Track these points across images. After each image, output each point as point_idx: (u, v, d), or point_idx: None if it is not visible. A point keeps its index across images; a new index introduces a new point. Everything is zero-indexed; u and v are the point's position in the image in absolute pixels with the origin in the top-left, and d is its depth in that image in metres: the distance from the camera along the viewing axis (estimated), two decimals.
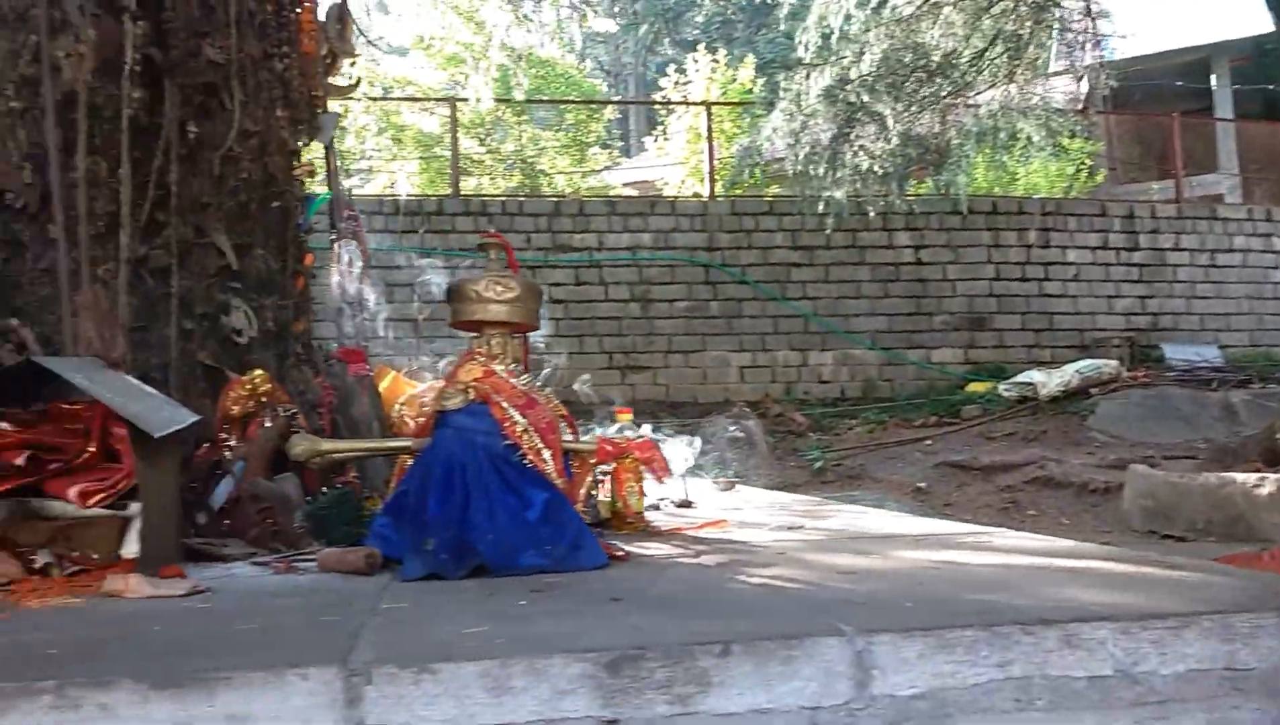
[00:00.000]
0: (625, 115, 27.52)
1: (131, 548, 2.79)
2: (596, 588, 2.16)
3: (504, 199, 15.28)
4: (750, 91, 18.97)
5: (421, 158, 18.57)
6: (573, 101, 21.37)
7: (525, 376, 2.90)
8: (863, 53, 10.23)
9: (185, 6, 3.74)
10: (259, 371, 3.72)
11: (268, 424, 3.71)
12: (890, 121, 10.42)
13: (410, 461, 3.57)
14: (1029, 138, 12.40)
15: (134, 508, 2.77)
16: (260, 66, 4.32)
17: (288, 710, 1.45)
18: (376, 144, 18.90)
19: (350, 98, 8.86)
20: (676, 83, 19.72)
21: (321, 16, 5.03)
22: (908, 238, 14.61)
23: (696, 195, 16.13)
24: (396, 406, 5.19)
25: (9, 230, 3.39)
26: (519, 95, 14.83)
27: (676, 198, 16.02)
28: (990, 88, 11.74)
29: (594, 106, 21.25)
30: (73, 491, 2.39)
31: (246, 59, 4.17)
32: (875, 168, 11.91)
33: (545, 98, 21.02)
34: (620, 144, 23.39)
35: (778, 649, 1.51)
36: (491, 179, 19.39)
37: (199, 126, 3.89)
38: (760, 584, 2.11)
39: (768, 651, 1.50)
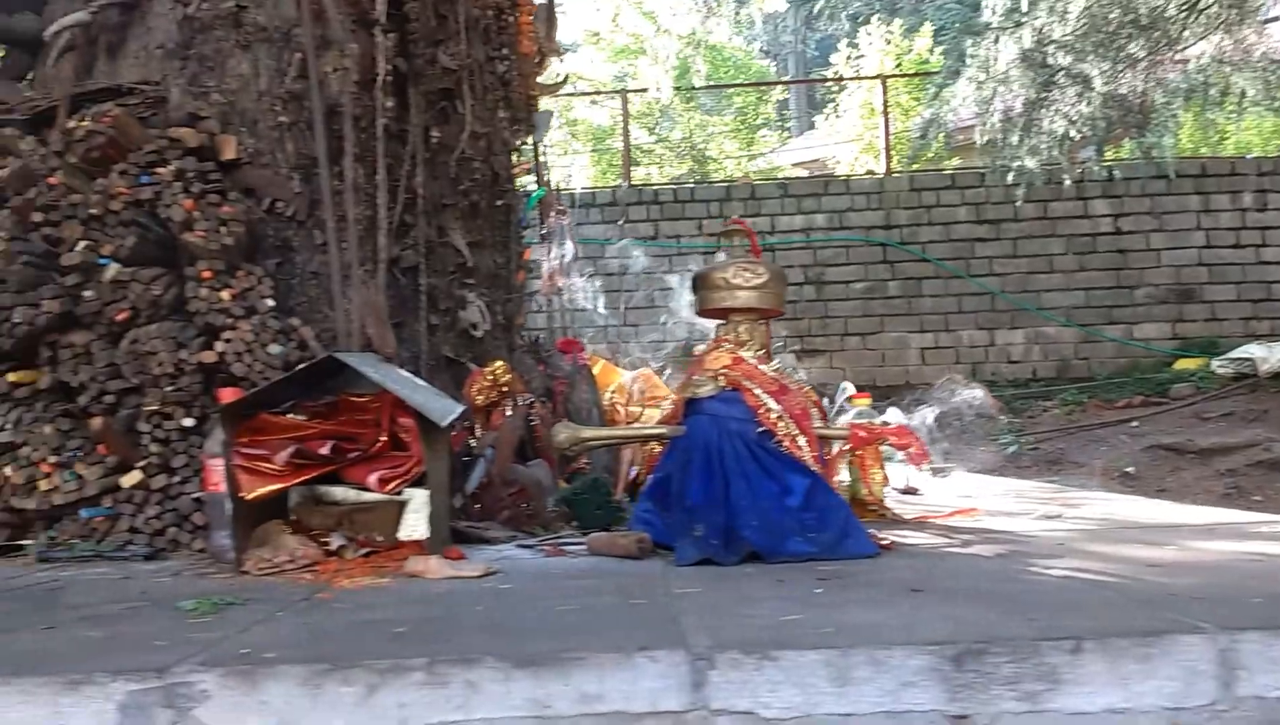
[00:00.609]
0: (788, 95, 27.10)
1: (411, 530, 2.99)
2: (885, 577, 2.14)
3: (675, 187, 15.35)
4: (926, 62, 18.31)
5: (594, 150, 18.91)
6: (748, 85, 21.20)
7: (775, 362, 2.90)
8: (1065, 11, 9.66)
9: (425, 16, 3.93)
10: (500, 363, 3.88)
11: (508, 413, 3.89)
12: (1097, 82, 9.81)
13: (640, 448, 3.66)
14: (1243, 92, 11.43)
15: (410, 493, 2.96)
16: (484, 70, 4.50)
17: (638, 691, 1.50)
18: (550, 139, 19.35)
19: (559, 94, 9.08)
20: (849, 58, 19.24)
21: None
22: (1106, 206, 13.72)
23: (870, 172, 15.71)
24: (607, 393, 5.32)
25: (280, 237, 3.66)
26: (698, 83, 14.85)
27: (850, 176, 15.66)
28: (1202, 39, 10.89)
29: (763, 89, 21.02)
30: (372, 478, 2.57)
31: (474, 63, 4.35)
32: (1072, 133, 11.29)
33: (719, 83, 20.92)
34: (789, 124, 23.03)
35: (1133, 646, 1.45)
36: (660, 167, 19.51)
37: (440, 131, 4.09)
38: (1065, 577, 2.04)
39: (1121, 649, 1.45)
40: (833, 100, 20.26)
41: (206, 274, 3.26)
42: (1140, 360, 13.76)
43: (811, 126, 22.49)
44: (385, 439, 2.67)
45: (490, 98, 4.58)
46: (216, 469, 2.84)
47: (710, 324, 3.31)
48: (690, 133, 20.07)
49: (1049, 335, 13.87)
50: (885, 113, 16.13)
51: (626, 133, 16.05)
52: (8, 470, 3.11)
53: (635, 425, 3.30)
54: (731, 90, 20.51)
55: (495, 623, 1.84)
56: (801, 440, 2.73)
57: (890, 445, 2.96)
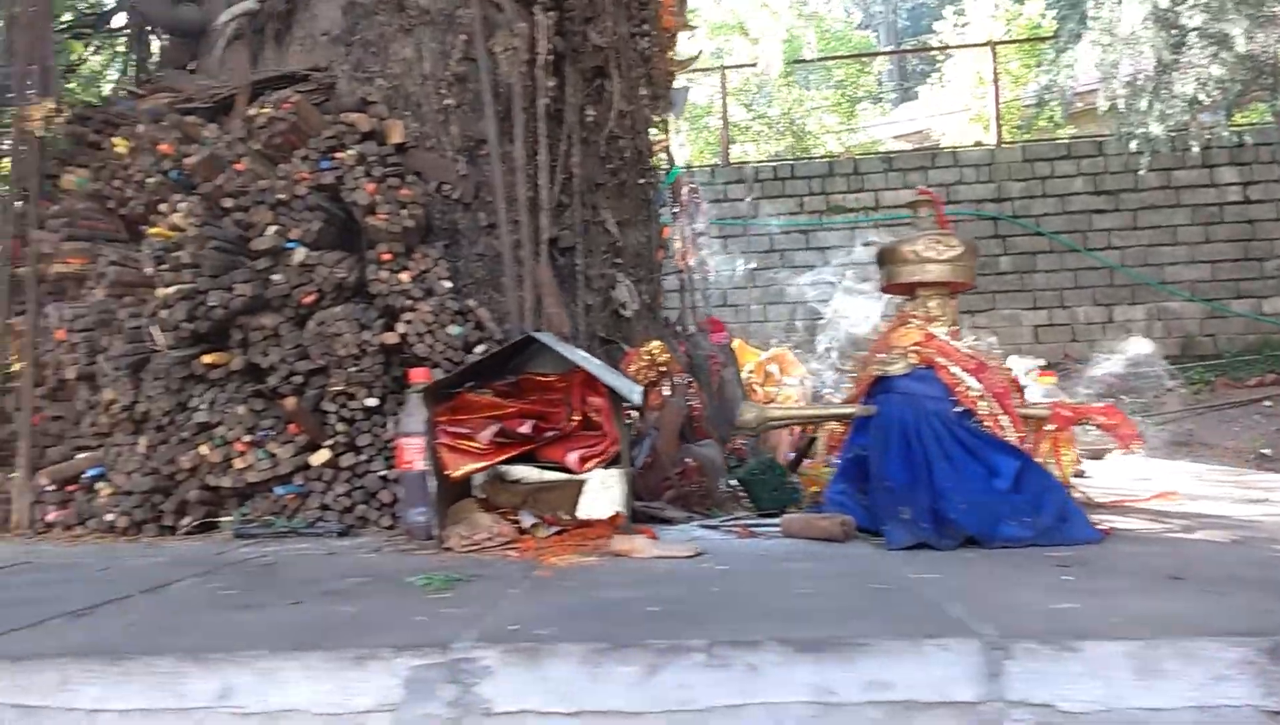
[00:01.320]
0: (889, 66, 26.47)
1: (591, 508, 3.00)
2: (1131, 565, 2.05)
3: (774, 164, 15.14)
4: (1038, 27, 17.68)
5: (691, 129, 18.77)
6: (856, 56, 20.71)
7: (970, 339, 2.81)
8: None
9: None
10: (656, 342, 3.87)
11: (665, 392, 3.88)
12: (1239, 41, 9.30)
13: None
14: None
15: (592, 472, 2.98)
16: (628, 46, 4.47)
17: (927, 680, 1.46)
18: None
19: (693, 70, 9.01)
20: (955, 25, 18.68)
21: None
22: (1234, 174, 13.07)
23: (978, 143, 15.25)
24: (743, 372, 5.29)
25: (446, 219, 3.71)
26: (808, 56, 14.60)
27: (958, 148, 15.23)
28: None
29: (863, 61, 20.56)
30: (571, 457, 2.58)
31: (620, 40, 4.32)
32: (1202, 96, 10.75)
33: (827, 55, 20.51)
34: (889, 96, 22.50)
35: None
36: (757, 144, 19.27)
37: (594, 110, 4.09)
38: None
39: None
40: (931, 70, 19.73)
41: (386, 256, 3.32)
42: (1271, 336, 13.10)
43: (905, 98, 21.94)
44: (578, 419, 2.67)
45: (634, 75, 4.54)
46: (409, 448, 2.88)
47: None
48: (789, 108, 19.77)
49: (1172, 311, 13.29)
50: (995, 81, 15.61)
51: (725, 109, 15.90)
52: (204, 449, 3.22)
53: (820, 404, 3.22)
54: (831, 63, 20.10)
55: (751, 604, 1.82)
56: (1004, 420, 2.64)
57: (1097, 426, 2.85)
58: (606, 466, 2.71)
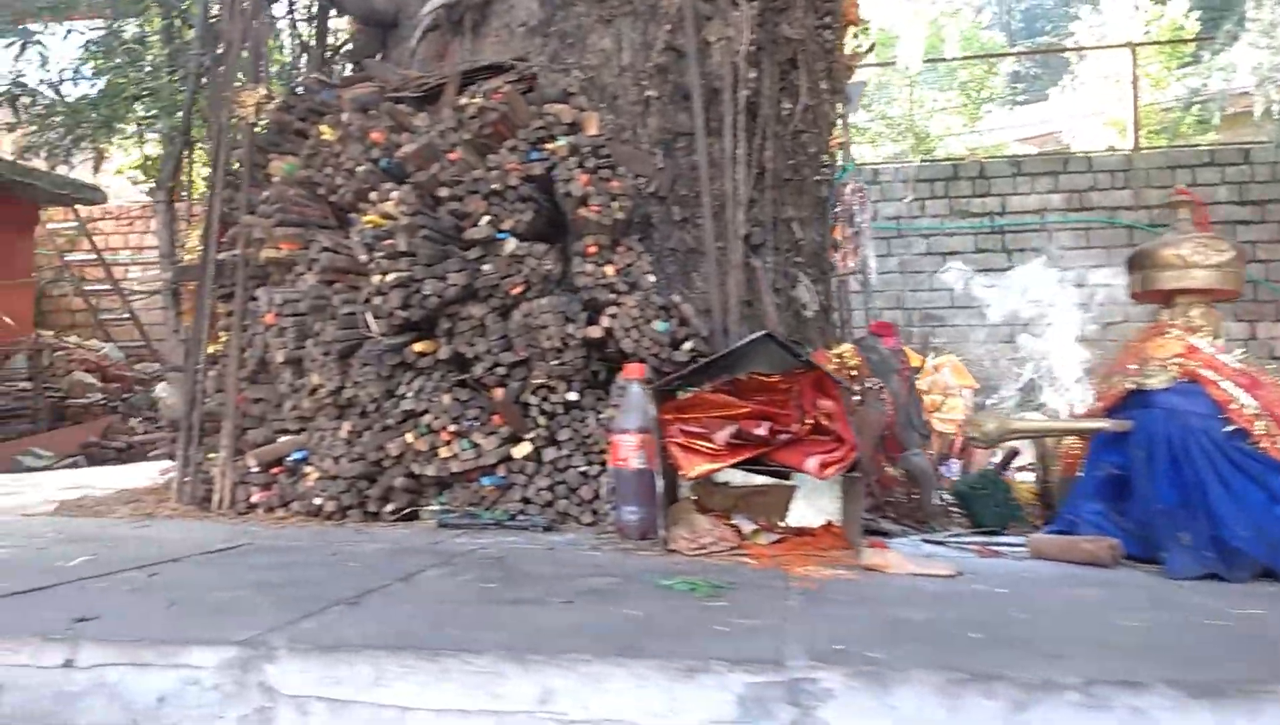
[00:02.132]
0: (1017, 67, 25.68)
1: (802, 516, 2.89)
2: None
3: (896, 165, 14.77)
4: (1181, 29, 16.90)
5: None
6: (987, 56, 20.16)
7: (1239, 351, 2.60)
8: None
9: None
10: (847, 346, 3.73)
11: (855, 397, 3.73)
12: None
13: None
14: None
15: (802, 478, 2.86)
16: (813, 39, 4.33)
17: None
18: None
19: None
20: (1091, 26, 17.98)
21: None
22: None
23: (1111, 149, 14.62)
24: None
25: (639, 213, 3.63)
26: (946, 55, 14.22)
27: (1092, 152, 14.64)
28: None
29: (991, 61, 19.97)
30: (811, 463, 2.46)
31: (808, 32, 4.19)
32: None
33: (969, 54, 20.01)
34: (1016, 97, 21.81)
35: None
36: (874, 144, 18.88)
37: (789, 103, 3.97)
38: None
39: None
40: (1044, 73, 19.01)
41: (592, 249, 3.26)
42: None
43: (1016, 103, 21.20)
44: (812, 422, 2.55)
45: (817, 68, 4.41)
46: (625, 445, 2.82)
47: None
48: (910, 109, 19.33)
49: None
50: (1135, 84, 14.97)
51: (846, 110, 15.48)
52: (409, 437, 3.21)
53: (1068, 417, 3.04)
54: (956, 63, 19.58)
55: (1079, 636, 1.67)
56: None
57: None
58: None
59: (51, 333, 11.11)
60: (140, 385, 10.67)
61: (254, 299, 3.64)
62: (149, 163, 14.54)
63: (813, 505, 2.92)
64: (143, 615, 1.80)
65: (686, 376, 2.72)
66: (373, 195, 3.39)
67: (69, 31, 8.29)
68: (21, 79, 6.34)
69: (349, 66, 4.75)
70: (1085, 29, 18.22)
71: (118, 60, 7.75)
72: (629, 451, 2.82)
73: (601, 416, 3.26)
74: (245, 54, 3.82)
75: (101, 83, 7.93)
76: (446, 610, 1.85)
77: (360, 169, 3.44)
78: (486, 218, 3.20)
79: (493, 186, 3.23)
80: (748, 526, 2.72)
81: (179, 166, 4.81)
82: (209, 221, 3.84)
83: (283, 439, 3.52)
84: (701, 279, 3.62)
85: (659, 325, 3.21)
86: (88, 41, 8.13)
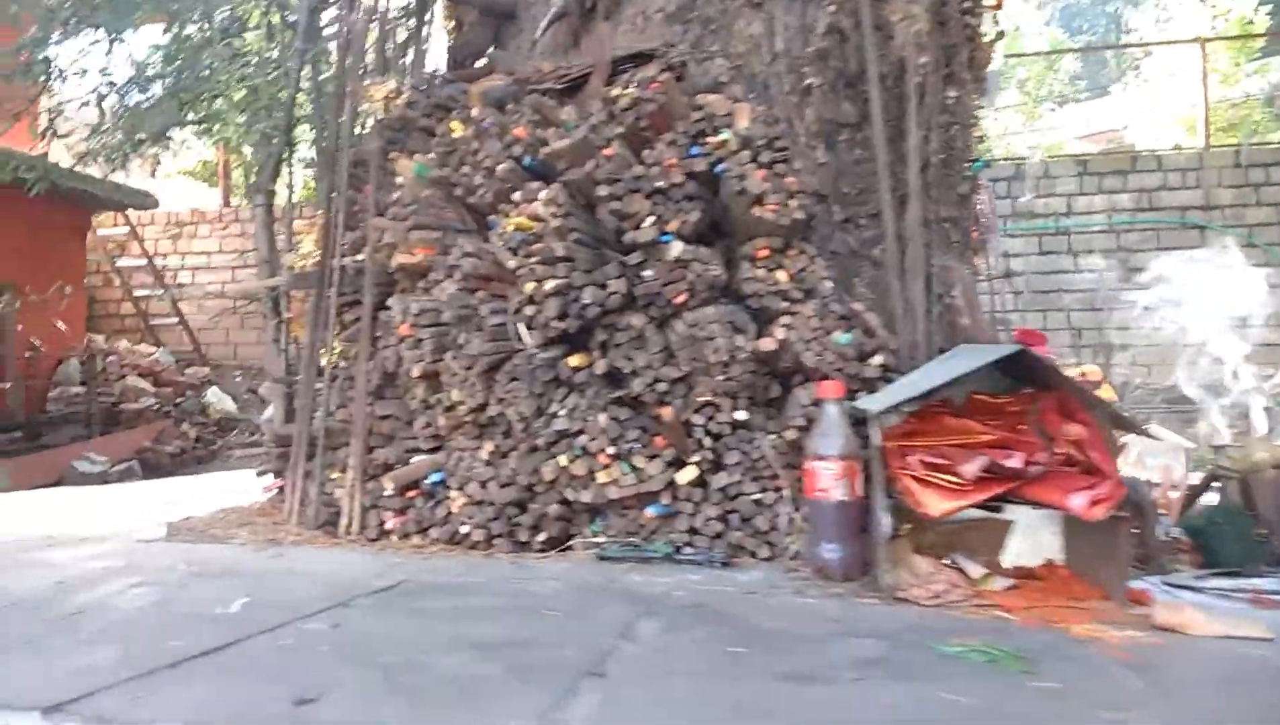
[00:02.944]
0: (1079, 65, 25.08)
1: (1017, 556, 2.57)
2: None
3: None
4: (1250, 23, 16.32)
5: None
6: (1050, 52, 19.67)
7: None
8: None
9: None
10: (1092, 366, 3.41)
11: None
12: None
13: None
14: None
15: (1017, 512, 2.55)
16: (959, 24, 4.00)
17: None
18: None
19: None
20: (1157, 20, 17.43)
21: None
22: None
23: (1178, 147, 14.11)
24: None
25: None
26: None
27: (1161, 151, 14.15)
28: None
29: (1052, 58, 19.45)
30: (1078, 501, 2.14)
31: (958, 15, 3.86)
32: None
33: (1051, 49, 19.55)
34: (1079, 96, 21.25)
35: None
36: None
37: (954, 91, 3.65)
38: None
39: None
40: (1136, 67, 18.50)
41: (763, 252, 2.96)
42: None
43: (1076, 100, 20.65)
44: (1064, 452, 2.23)
45: (963, 55, 4.08)
46: (824, 473, 2.52)
47: None
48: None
49: None
50: (1205, 80, 14.46)
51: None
52: (562, 459, 2.93)
53: None
54: (1014, 60, 19.07)
55: None
56: None
57: None
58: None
59: (102, 338, 10.99)
60: (191, 390, 10.54)
61: (383, 308, 3.38)
62: (205, 166, 14.43)
63: (1031, 542, 2.60)
64: (371, 699, 1.51)
65: (918, 398, 2.40)
66: (516, 195, 3.11)
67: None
68: (110, 78, 6.15)
69: (457, 61, 4.49)
70: (1150, 24, 17.68)
71: (178, 63, 7.58)
72: (830, 481, 2.52)
73: (772, 438, 2.96)
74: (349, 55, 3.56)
75: (160, 88, 7.77)
76: (721, 691, 1.55)
77: (501, 167, 3.17)
78: (651, 219, 2.91)
79: (656, 184, 2.93)
80: (975, 570, 2.41)
81: (278, 168, 4.58)
82: (328, 225, 3.58)
83: (416, 459, 3.25)
84: (864, 284, 3.31)
85: (841, 337, 2.90)
86: (156, 45, 7.94)
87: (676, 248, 2.91)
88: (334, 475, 3.47)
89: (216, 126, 6.95)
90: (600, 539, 2.91)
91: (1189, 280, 4.53)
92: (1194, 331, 4.12)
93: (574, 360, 2.95)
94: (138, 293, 11.79)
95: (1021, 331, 4.53)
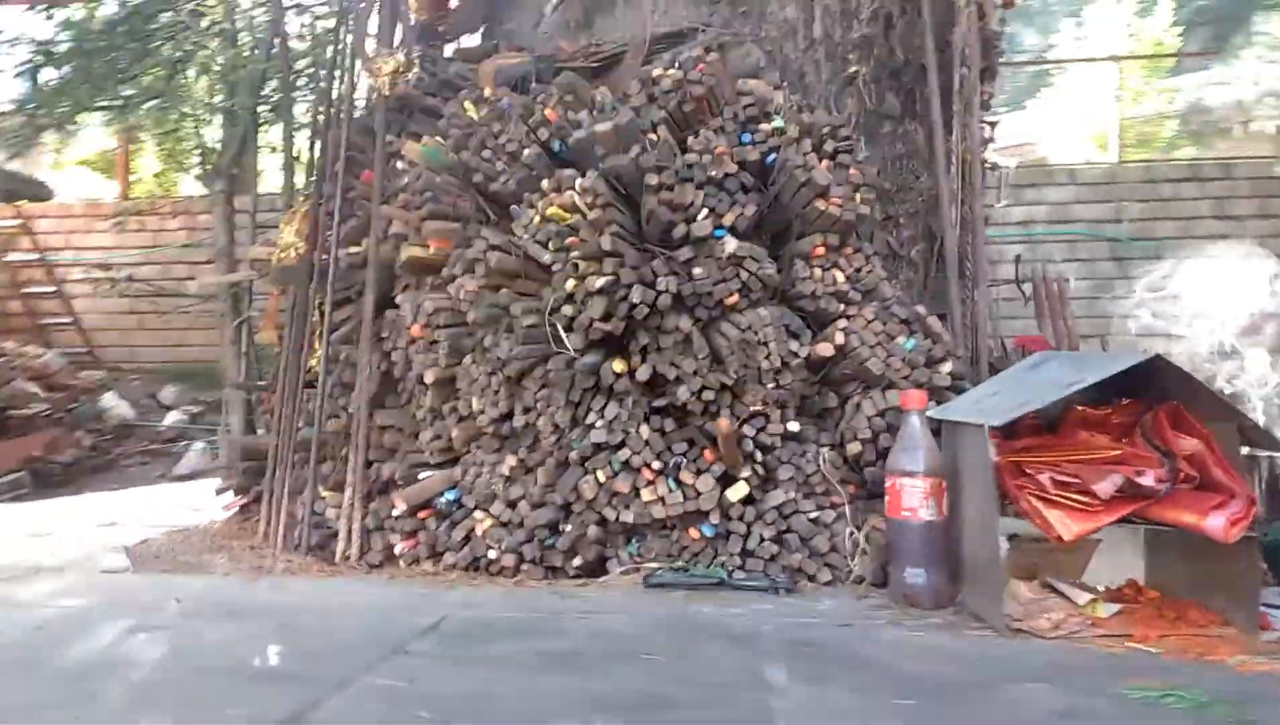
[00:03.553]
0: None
1: (1105, 573, 2.41)
2: None
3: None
4: (1161, 44, 16.99)
5: None
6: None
7: None
8: None
9: None
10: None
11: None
12: None
13: None
14: None
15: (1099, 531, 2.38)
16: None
17: None
18: None
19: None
20: (1076, 39, 17.97)
21: None
22: None
23: (1090, 162, 14.55)
24: None
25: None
26: None
27: (1074, 165, 14.57)
28: None
29: None
30: (1214, 522, 1.97)
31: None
32: None
33: None
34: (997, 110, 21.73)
35: None
36: None
37: (989, 86, 3.51)
38: None
39: None
40: (1049, 83, 19.00)
41: (819, 251, 2.74)
42: None
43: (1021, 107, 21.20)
44: (1188, 470, 2.07)
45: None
46: (911, 491, 2.31)
47: None
48: None
49: None
50: (1117, 97, 14.96)
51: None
52: (600, 474, 2.65)
53: None
54: None
55: None
56: None
57: None
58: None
59: None
60: (86, 394, 9.77)
61: (387, 307, 3.03)
62: (105, 156, 13.44)
63: (1112, 562, 2.44)
64: None
65: (1044, 412, 2.19)
66: (545, 184, 2.82)
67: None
68: (48, 46, 5.51)
69: (439, 37, 4.14)
70: (1069, 41, 18.21)
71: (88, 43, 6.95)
72: (918, 499, 2.30)
73: (824, 450, 2.74)
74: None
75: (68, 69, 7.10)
76: None
77: (527, 153, 2.87)
78: (704, 211, 2.65)
79: (709, 174, 2.68)
80: (1079, 595, 2.22)
81: (242, 150, 4.13)
82: (317, 214, 3.22)
83: (424, 476, 2.91)
84: (901, 286, 3.12)
85: (906, 342, 2.70)
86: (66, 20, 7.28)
87: (731, 244, 2.66)
88: (325, 493, 3.10)
89: (118, 114, 6.31)
90: (654, 564, 2.64)
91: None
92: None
93: (618, 365, 2.68)
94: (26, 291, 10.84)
95: (1023, 338, 4.42)
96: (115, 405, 9.91)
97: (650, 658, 1.82)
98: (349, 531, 2.93)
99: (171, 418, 7.75)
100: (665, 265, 2.65)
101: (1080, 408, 2.31)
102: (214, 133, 4.54)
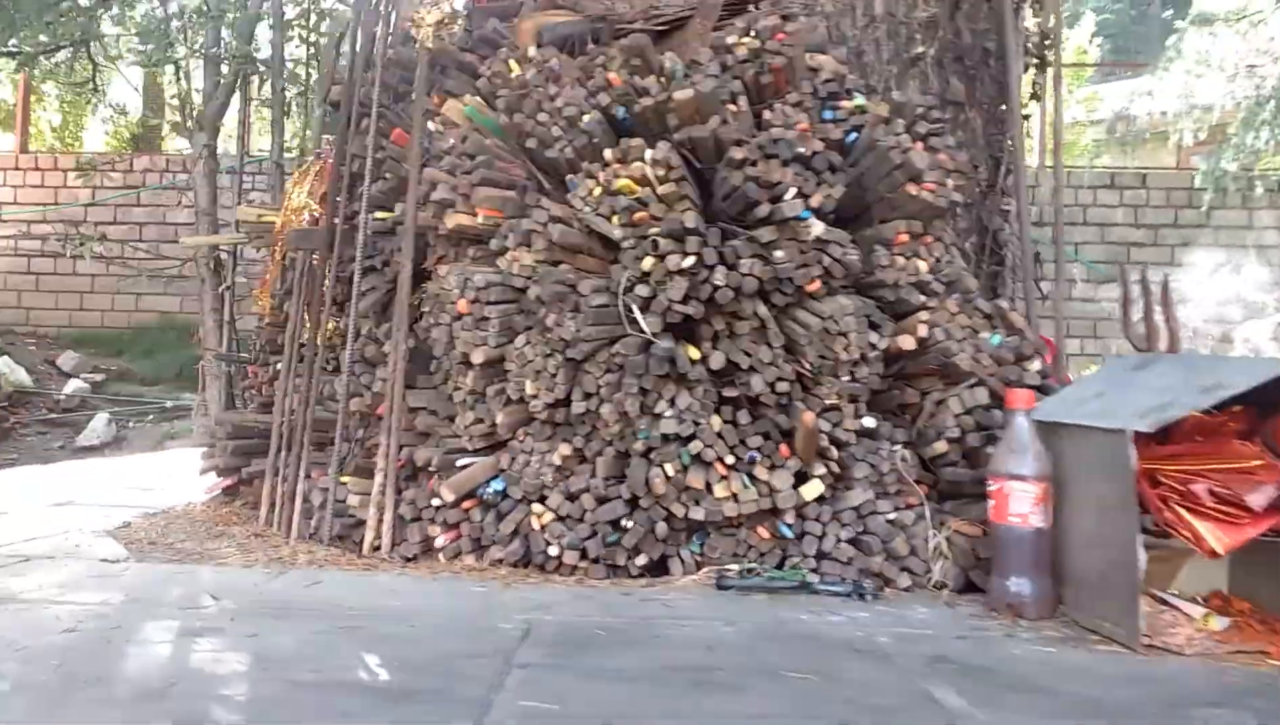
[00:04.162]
0: None
1: (1191, 582, 2.34)
2: None
3: None
4: (1084, 53, 17.42)
5: None
6: None
7: None
8: None
9: None
10: None
11: None
12: None
13: None
14: None
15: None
16: None
17: None
18: None
19: None
20: None
21: None
22: (1271, 217, 12.91)
23: None
24: None
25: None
26: None
27: None
28: None
29: None
30: None
31: None
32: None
33: None
34: None
35: None
36: None
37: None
38: None
39: None
40: None
41: (902, 238, 2.60)
42: None
43: None
44: None
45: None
46: (1020, 495, 2.19)
47: None
48: None
49: None
50: (1043, 105, 15.27)
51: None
52: (669, 468, 2.47)
53: None
54: None
55: None
56: None
57: None
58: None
59: None
60: None
61: (424, 279, 2.78)
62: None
63: (1198, 572, 2.37)
64: None
65: (1220, 408, 2.07)
66: (608, 153, 2.61)
67: None
68: None
69: None
70: None
71: None
72: (1028, 505, 2.19)
73: (897, 448, 2.61)
74: None
75: None
76: None
77: (587, 119, 2.65)
78: (792, 191, 2.48)
79: (797, 150, 2.50)
80: (1194, 609, 2.14)
81: (228, 100, 3.77)
82: (337, 174, 2.94)
83: (463, 462, 2.68)
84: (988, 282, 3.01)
85: (992, 337, 2.59)
86: None
87: (818, 227, 2.49)
88: (345, 479, 2.84)
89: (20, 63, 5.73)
90: (722, 565, 2.46)
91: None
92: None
93: (693, 351, 2.49)
94: None
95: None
96: (10, 371, 9.21)
97: (800, 678, 1.65)
98: (378, 521, 2.69)
99: (72, 386, 7.22)
100: (748, 246, 2.47)
101: (1196, 414, 2.22)
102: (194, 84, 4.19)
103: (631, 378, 2.46)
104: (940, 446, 2.51)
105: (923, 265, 2.62)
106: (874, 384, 2.62)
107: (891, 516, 2.53)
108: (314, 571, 2.48)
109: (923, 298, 2.62)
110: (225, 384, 3.73)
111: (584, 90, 2.70)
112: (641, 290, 2.46)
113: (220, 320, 3.72)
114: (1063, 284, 2.88)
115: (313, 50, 4.08)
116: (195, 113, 3.85)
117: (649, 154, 2.55)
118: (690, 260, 2.37)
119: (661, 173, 2.54)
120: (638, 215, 2.51)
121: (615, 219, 2.55)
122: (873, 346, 2.56)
